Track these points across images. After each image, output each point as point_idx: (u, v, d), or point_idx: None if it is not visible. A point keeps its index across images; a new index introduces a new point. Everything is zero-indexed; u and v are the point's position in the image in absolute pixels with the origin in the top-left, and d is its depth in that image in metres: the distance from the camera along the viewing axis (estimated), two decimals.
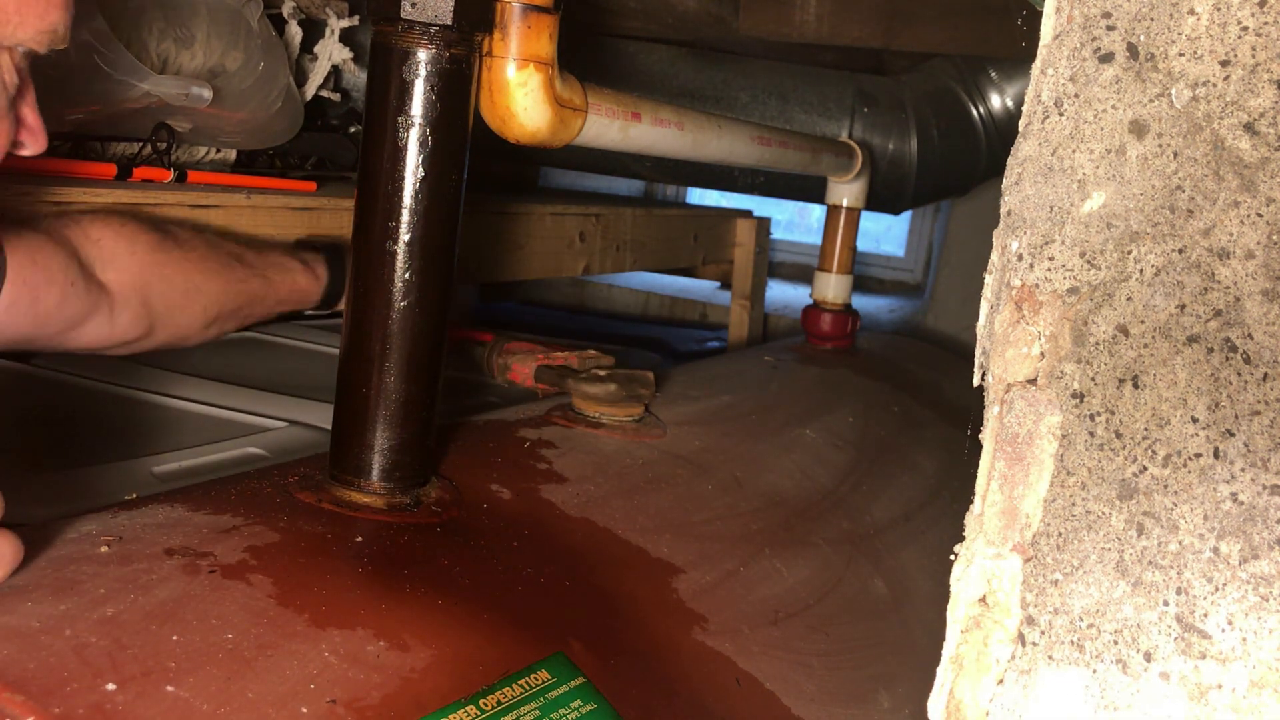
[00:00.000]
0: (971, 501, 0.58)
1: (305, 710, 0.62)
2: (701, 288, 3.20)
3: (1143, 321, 0.55)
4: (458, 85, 0.83)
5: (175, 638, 0.64)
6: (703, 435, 1.22)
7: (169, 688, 0.60)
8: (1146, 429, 0.54)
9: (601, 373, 1.17)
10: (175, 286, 1.08)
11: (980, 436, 0.58)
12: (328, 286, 1.24)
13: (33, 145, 0.83)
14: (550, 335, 2.51)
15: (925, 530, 1.29)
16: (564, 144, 0.98)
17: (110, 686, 0.59)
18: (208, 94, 1.27)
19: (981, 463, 0.58)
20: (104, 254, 1.02)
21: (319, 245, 1.28)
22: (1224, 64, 0.53)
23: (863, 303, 2.85)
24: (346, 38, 1.58)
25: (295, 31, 1.50)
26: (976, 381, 0.59)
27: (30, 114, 0.82)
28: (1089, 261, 0.56)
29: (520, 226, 1.76)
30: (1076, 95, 0.56)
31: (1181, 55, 0.54)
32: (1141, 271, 0.55)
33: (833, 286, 1.81)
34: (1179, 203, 0.54)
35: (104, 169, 1.23)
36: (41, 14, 0.76)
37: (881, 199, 2.30)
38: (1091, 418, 0.55)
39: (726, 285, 2.90)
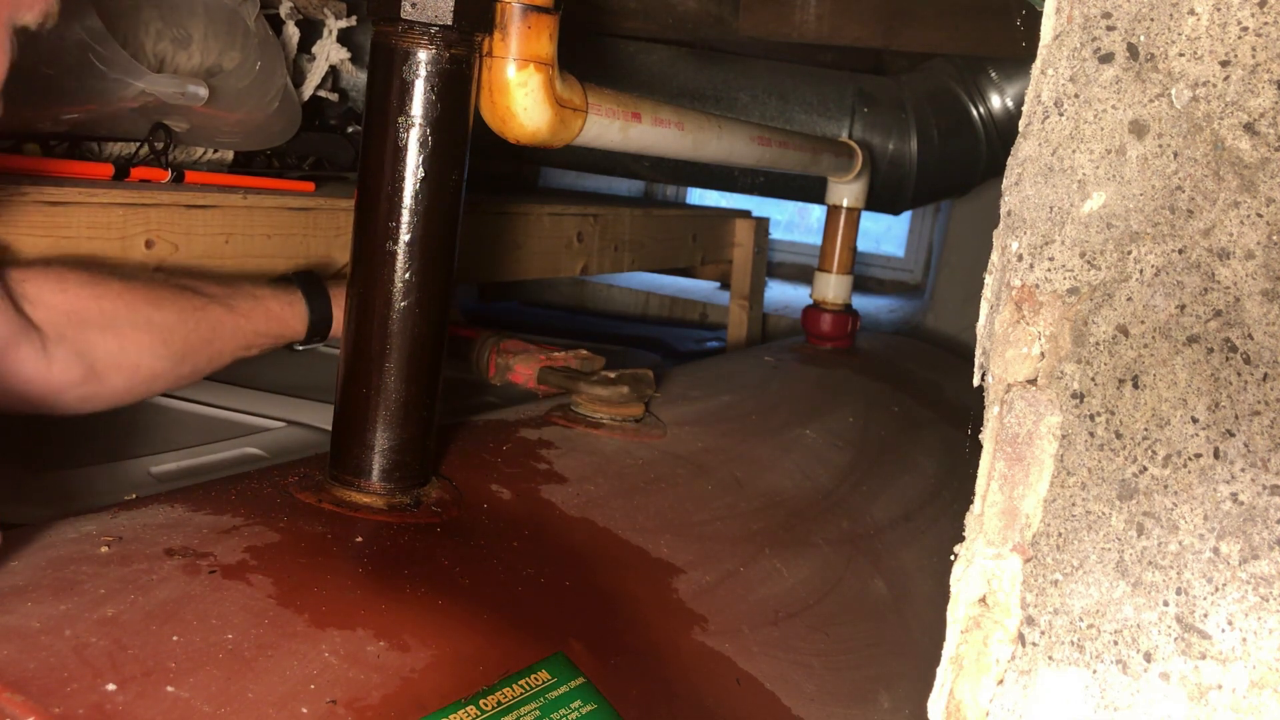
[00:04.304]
0: (971, 501, 0.58)
1: (305, 710, 0.62)
2: (701, 288, 3.20)
3: (1143, 322, 0.55)
4: (458, 85, 0.83)
5: (175, 638, 0.64)
6: (703, 435, 1.22)
7: (169, 688, 0.60)
8: (1146, 429, 0.54)
9: (611, 375, 1.17)
10: (120, 319, 1.01)
11: (980, 436, 0.58)
12: (310, 315, 1.18)
13: None
14: (550, 335, 2.50)
15: (925, 530, 1.29)
16: (564, 144, 0.97)
17: (110, 686, 0.59)
18: (203, 91, 1.26)
19: (981, 463, 0.58)
20: (29, 293, 0.96)
21: (291, 275, 1.24)
22: (1224, 64, 0.53)
23: (863, 303, 2.85)
24: (344, 38, 1.58)
25: (293, 32, 1.50)
26: (976, 381, 0.59)
27: None
28: (1089, 262, 0.56)
29: (519, 226, 1.76)
30: (1076, 95, 0.56)
31: (1181, 55, 0.54)
32: (1141, 272, 0.55)
33: (833, 287, 1.81)
34: (1179, 203, 0.54)
35: (101, 169, 1.23)
36: None
37: (881, 199, 2.30)
38: (1091, 418, 0.55)
39: (726, 285, 2.90)
